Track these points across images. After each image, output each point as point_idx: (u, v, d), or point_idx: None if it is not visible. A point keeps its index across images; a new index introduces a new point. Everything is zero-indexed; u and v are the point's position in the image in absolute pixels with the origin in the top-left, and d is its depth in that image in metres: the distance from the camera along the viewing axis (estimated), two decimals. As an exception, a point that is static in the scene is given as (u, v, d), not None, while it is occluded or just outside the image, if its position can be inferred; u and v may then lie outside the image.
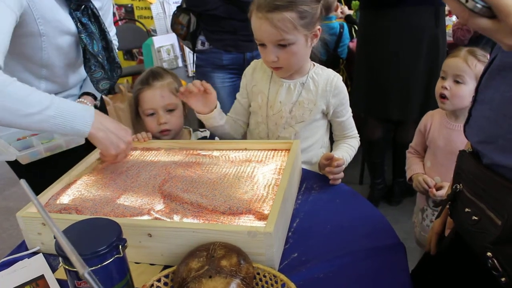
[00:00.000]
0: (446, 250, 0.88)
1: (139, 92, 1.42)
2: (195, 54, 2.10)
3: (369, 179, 2.55)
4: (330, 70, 1.29)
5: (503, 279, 0.63)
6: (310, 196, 1.09)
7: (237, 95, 1.42)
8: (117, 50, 1.41)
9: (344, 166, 1.19)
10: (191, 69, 4.09)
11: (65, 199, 1.03)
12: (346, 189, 1.13)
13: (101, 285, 0.52)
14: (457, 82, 1.33)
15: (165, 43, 4.04)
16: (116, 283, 0.69)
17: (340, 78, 1.28)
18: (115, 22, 4.38)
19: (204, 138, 1.52)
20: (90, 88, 1.40)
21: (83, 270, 0.52)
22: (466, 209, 0.71)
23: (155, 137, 1.39)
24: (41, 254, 0.93)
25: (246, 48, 1.90)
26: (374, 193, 2.49)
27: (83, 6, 1.21)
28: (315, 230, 0.95)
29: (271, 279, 0.76)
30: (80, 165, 1.17)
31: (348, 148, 1.31)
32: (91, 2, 1.23)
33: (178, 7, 2.12)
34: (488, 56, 1.07)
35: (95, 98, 1.42)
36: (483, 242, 0.66)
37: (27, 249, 0.95)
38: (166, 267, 0.85)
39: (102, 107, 1.54)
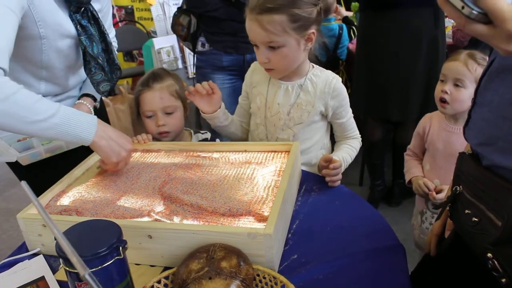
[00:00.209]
0: (446, 251, 0.88)
1: (139, 93, 1.43)
2: (195, 55, 2.10)
3: (369, 181, 2.55)
4: (329, 71, 1.29)
5: (503, 280, 0.64)
6: (309, 197, 1.09)
7: (239, 98, 1.44)
8: (116, 52, 1.41)
9: (342, 168, 1.19)
10: (191, 70, 4.10)
11: (65, 200, 1.03)
12: (345, 190, 1.13)
13: (101, 287, 0.53)
14: (457, 86, 1.33)
15: (165, 44, 4.04)
16: (117, 285, 0.69)
17: (339, 79, 1.27)
18: (115, 24, 4.38)
19: (205, 140, 1.52)
20: (90, 89, 1.40)
21: (84, 272, 0.52)
22: (466, 211, 0.71)
23: (155, 138, 1.39)
24: (41, 255, 0.93)
25: (246, 50, 1.90)
26: (374, 194, 2.50)
27: (82, 9, 1.21)
28: (315, 231, 0.95)
29: (271, 281, 0.76)
30: (80, 166, 1.17)
31: (349, 149, 1.31)
32: (91, 4, 1.24)
33: (178, 8, 2.12)
34: (488, 59, 1.07)
35: (94, 99, 1.42)
36: (483, 243, 0.66)
37: (27, 251, 0.95)
38: (166, 268, 0.85)
39: (101, 109, 1.54)
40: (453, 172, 0.78)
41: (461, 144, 0.85)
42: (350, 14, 3.17)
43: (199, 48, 2.05)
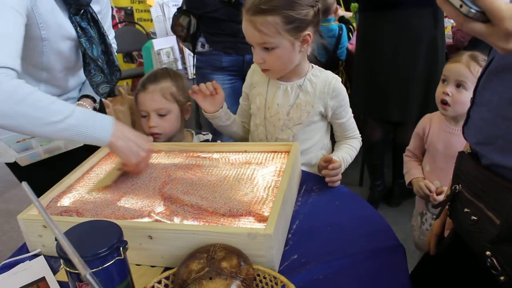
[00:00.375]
0: (445, 250, 0.88)
1: (136, 93, 1.44)
2: (195, 55, 2.11)
3: (369, 181, 2.55)
4: (329, 72, 1.29)
5: (501, 278, 0.64)
6: (309, 198, 1.09)
7: (240, 99, 1.44)
8: (116, 53, 1.41)
9: (342, 168, 1.20)
10: (190, 71, 4.10)
11: (65, 201, 1.03)
12: (345, 190, 1.13)
13: (102, 287, 0.53)
14: (458, 87, 1.31)
15: (164, 45, 4.05)
16: (117, 285, 0.69)
17: (339, 80, 1.27)
18: (115, 25, 4.39)
19: (207, 141, 1.52)
20: (89, 91, 1.41)
21: (85, 272, 0.52)
22: (465, 209, 0.71)
23: None
24: (42, 256, 0.93)
25: (246, 50, 1.90)
26: (374, 194, 2.50)
27: (82, 11, 1.21)
28: (315, 231, 0.95)
29: (271, 281, 0.76)
30: (81, 167, 1.17)
31: (349, 149, 1.31)
32: (90, 6, 1.24)
33: (178, 9, 2.13)
34: (488, 59, 1.07)
35: (94, 100, 1.43)
36: (482, 241, 0.66)
37: (28, 252, 0.96)
38: (166, 269, 0.85)
39: (101, 110, 1.54)
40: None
41: (461, 146, 0.85)
42: (349, 14, 3.18)
43: (199, 48, 2.05)
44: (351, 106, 1.32)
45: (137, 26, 4.46)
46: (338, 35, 2.73)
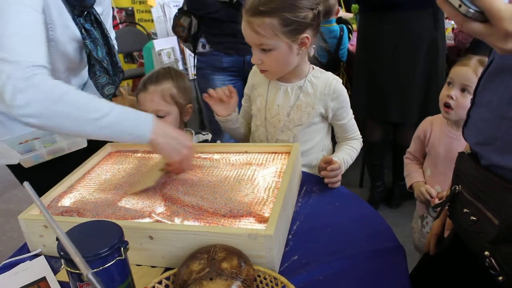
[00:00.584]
0: (445, 251, 0.88)
1: (137, 92, 1.43)
2: (195, 56, 2.11)
3: (369, 182, 2.55)
4: (330, 73, 1.29)
5: (500, 278, 0.64)
6: (310, 199, 1.09)
7: (242, 100, 1.45)
8: (117, 54, 1.41)
9: (343, 169, 1.20)
10: (191, 72, 4.10)
11: (66, 201, 1.03)
12: (346, 192, 1.14)
13: (103, 287, 0.53)
14: (463, 92, 1.29)
15: (165, 46, 4.05)
16: (118, 285, 0.70)
17: (340, 81, 1.27)
18: (116, 25, 4.39)
19: (206, 141, 1.52)
20: (91, 91, 1.41)
21: (87, 271, 0.52)
22: (465, 210, 0.72)
23: None
24: (42, 256, 0.93)
25: (246, 51, 1.91)
26: (374, 195, 2.50)
27: (85, 12, 1.22)
28: (315, 232, 0.95)
29: (271, 282, 0.76)
30: (81, 167, 1.17)
31: (349, 150, 1.31)
32: (93, 8, 1.24)
33: (179, 10, 2.13)
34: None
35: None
36: (481, 241, 0.66)
37: (28, 252, 0.96)
38: (167, 269, 0.85)
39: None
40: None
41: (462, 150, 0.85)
42: (350, 15, 3.18)
43: (200, 49, 2.05)
44: (351, 107, 1.32)
45: (138, 26, 4.47)
46: (340, 36, 2.73)
